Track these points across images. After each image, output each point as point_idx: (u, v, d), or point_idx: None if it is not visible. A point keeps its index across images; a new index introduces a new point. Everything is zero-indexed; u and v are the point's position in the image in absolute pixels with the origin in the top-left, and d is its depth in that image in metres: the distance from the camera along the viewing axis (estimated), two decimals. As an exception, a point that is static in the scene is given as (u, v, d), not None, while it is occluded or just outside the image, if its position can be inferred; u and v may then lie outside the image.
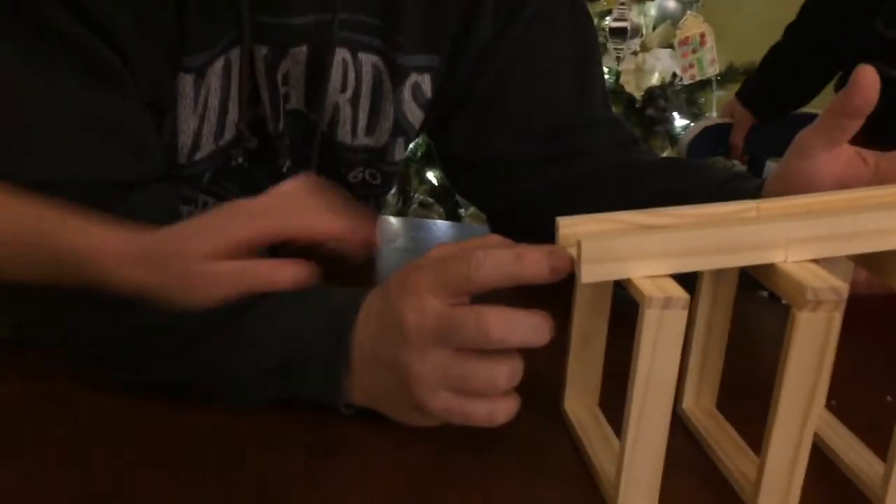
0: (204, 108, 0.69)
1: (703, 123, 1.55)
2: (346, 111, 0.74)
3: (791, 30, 1.44)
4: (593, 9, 2.00)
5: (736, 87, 2.16)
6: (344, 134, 0.75)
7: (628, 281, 0.47)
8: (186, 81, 0.66)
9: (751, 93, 1.49)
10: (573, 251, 0.49)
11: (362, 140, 0.76)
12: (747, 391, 0.65)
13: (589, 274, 0.47)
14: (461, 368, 0.50)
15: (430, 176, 2.07)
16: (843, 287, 0.46)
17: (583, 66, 0.77)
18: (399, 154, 0.78)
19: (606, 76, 2.07)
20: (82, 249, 0.48)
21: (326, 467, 0.54)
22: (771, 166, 1.62)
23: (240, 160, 0.74)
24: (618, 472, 0.49)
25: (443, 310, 0.49)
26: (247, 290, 0.47)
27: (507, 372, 0.50)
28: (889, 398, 0.66)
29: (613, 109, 2.08)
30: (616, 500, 0.50)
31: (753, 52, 2.15)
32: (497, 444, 0.56)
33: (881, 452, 0.56)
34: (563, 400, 0.60)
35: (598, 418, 0.59)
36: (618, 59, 1.96)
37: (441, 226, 1.12)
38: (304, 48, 0.70)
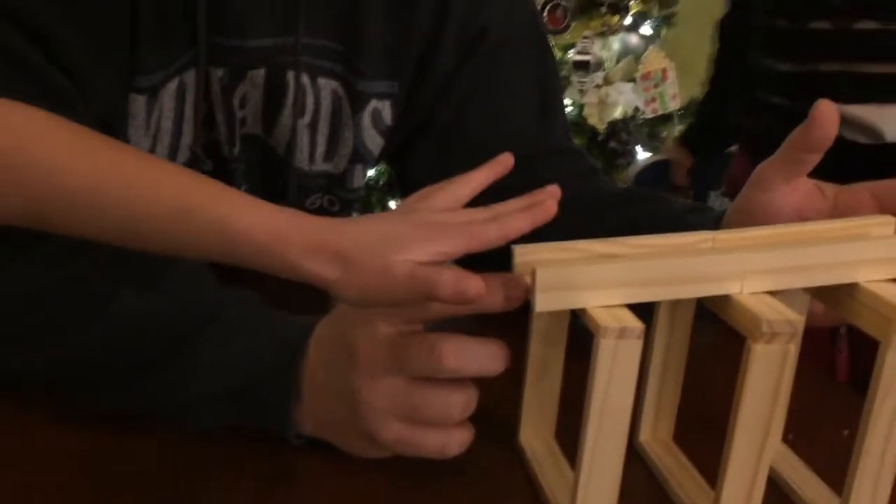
0: (156, 130, 0.67)
1: (649, 159, 1.59)
2: (304, 136, 0.73)
3: (711, 74, 1.54)
4: (557, 42, 2.02)
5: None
6: (301, 159, 0.74)
7: (583, 310, 0.47)
8: (138, 102, 0.65)
9: (687, 133, 1.56)
10: (528, 279, 0.48)
11: (321, 166, 0.75)
12: (705, 424, 0.64)
13: (544, 303, 0.46)
14: (414, 397, 0.49)
15: (392, 204, 2.06)
16: (799, 320, 0.46)
17: (544, 96, 0.77)
18: (358, 181, 0.77)
19: (569, 109, 2.09)
20: (255, 231, 0.44)
21: (276, 497, 0.52)
22: (715, 199, 1.66)
23: None
24: (572, 507, 0.48)
25: (395, 337, 0.48)
26: (432, 298, 0.45)
27: (461, 402, 0.49)
28: (846, 432, 0.65)
29: (576, 142, 2.10)
30: (570, 536, 0.49)
31: (714, 88, 2.19)
32: (450, 476, 0.55)
33: (838, 487, 0.56)
34: (518, 431, 0.59)
35: (554, 451, 0.58)
36: (581, 92, 1.98)
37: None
38: (262, 71, 0.69)
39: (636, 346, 0.45)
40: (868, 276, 0.50)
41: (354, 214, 0.85)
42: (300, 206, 0.78)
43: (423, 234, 0.46)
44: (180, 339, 0.51)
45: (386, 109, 0.74)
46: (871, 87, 1.09)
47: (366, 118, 0.74)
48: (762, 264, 0.48)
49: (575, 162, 0.78)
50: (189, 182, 0.46)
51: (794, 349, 0.46)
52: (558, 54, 2.02)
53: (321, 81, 0.72)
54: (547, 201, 0.50)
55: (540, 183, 0.75)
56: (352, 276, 0.44)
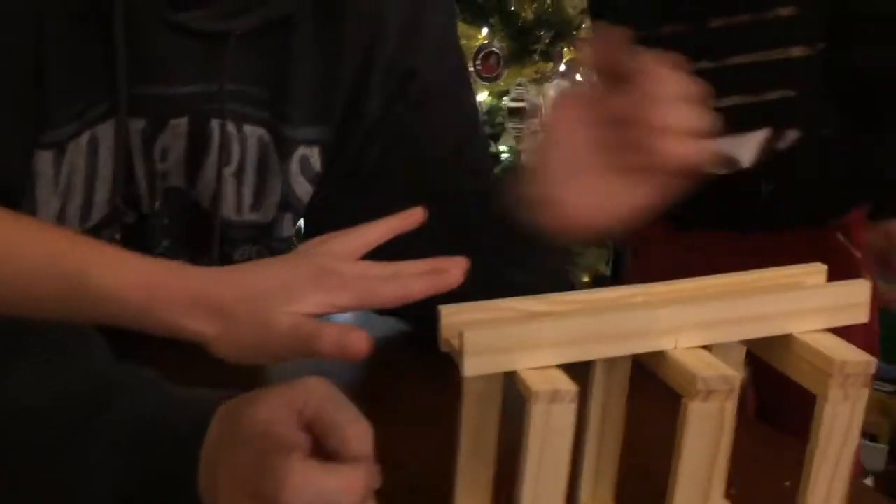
0: (67, 188, 0.64)
1: None
2: (230, 186, 0.70)
3: None
4: (491, 89, 2.03)
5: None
6: (229, 209, 0.71)
7: (514, 373, 0.44)
8: (45, 159, 0.61)
9: None
10: (455, 342, 0.46)
11: (248, 216, 0.72)
12: (647, 482, 0.63)
13: (472, 367, 0.44)
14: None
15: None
16: (735, 376, 0.44)
17: (466, 141, 0.76)
18: (287, 230, 0.75)
19: (506, 155, 2.10)
20: (124, 289, 0.41)
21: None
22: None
23: (116, 236, 0.69)
24: (509, 582, 0.46)
25: (253, 458, 0.44)
26: (314, 353, 0.42)
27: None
28: (787, 484, 0.64)
29: None
30: None
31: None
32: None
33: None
34: (452, 500, 0.56)
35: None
36: (517, 138, 1.99)
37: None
38: (184, 120, 0.66)
39: (570, 410, 0.43)
40: (802, 327, 0.49)
41: None
42: (228, 258, 0.74)
43: (315, 283, 0.44)
44: (63, 436, 0.47)
45: (315, 156, 0.72)
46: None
47: (294, 165, 0.71)
48: (696, 318, 0.47)
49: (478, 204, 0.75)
50: (52, 239, 0.43)
51: (731, 406, 0.45)
52: (493, 101, 2.04)
53: (247, 129, 0.69)
54: (452, 270, 0.48)
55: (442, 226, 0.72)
56: (231, 331, 0.41)
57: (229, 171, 0.69)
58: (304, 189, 0.73)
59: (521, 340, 0.44)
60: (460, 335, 0.43)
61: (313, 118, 0.71)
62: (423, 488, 0.59)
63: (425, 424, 0.68)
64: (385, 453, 0.49)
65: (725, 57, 1.14)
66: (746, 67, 1.13)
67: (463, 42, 1.98)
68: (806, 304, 0.48)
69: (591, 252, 2.18)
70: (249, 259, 0.75)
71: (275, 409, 0.44)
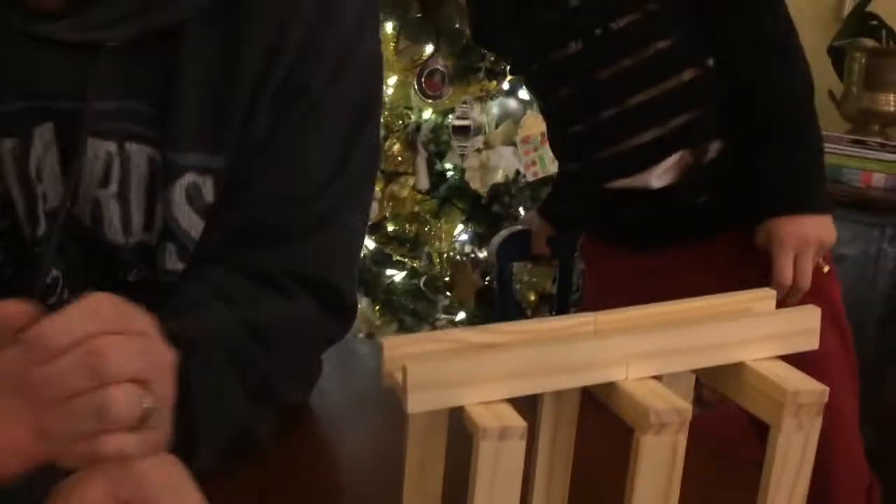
0: None
1: (510, 229, 1.57)
2: (113, 207, 0.64)
3: None
4: (436, 107, 2.02)
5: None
6: (113, 232, 0.65)
7: (461, 409, 0.42)
8: None
9: (545, 203, 1.56)
10: (399, 376, 0.44)
11: (140, 237, 0.66)
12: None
13: (416, 403, 0.42)
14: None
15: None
16: (687, 408, 0.43)
17: (339, 169, 0.68)
18: (172, 263, 0.67)
19: (451, 174, 2.09)
20: None
21: None
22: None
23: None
24: None
25: None
26: None
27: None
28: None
29: (459, 206, 2.04)
30: None
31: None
32: None
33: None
34: (398, 538, 0.54)
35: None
36: (462, 156, 1.97)
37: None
38: (51, 136, 0.61)
39: (519, 447, 0.41)
40: (753, 355, 0.48)
41: None
42: (123, 279, 0.69)
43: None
44: None
45: (207, 186, 0.65)
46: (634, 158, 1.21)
47: (177, 192, 0.64)
48: (646, 348, 0.45)
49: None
50: None
51: (683, 439, 0.43)
52: (437, 119, 2.02)
53: (132, 147, 0.63)
54: None
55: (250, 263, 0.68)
56: None
57: (108, 192, 0.64)
58: (190, 220, 0.66)
59: (468, 374, 0.42)
60: (403, 370, 0.41)
61: (205, 143, 0.64)
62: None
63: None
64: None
65: (625, 100, 1.17)
66: (648, 103, 1.17)
67: (406, 60, 1.97)
68: (757, 332, 0.47)
69: (538, 271, 2.18)
70: (141, 282, 0.69)
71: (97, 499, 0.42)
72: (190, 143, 0.63)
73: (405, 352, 0.45)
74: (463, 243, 2.07)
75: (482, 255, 2.05)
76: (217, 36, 0.63)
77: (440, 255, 2.06)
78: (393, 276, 2.03)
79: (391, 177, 1.98)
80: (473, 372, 0.42)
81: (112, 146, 0.63)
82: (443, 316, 2.01)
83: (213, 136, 0.64)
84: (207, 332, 0.60)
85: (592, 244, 1.41)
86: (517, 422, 0.41)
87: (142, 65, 0.62)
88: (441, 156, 2.05)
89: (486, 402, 0.43)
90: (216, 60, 0.63)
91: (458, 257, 2.04)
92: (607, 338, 0.45)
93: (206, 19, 0.62)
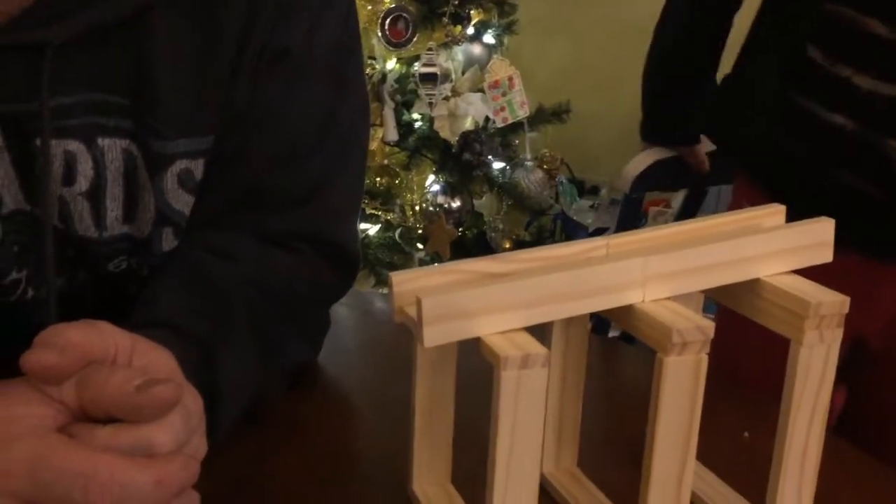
0: None
1: (649, 160, 1.43)
2: (82, 205, 0.61)
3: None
4: (401, 55, 1.98)
5: (547, 128, 2.21)
6: (84, 228, 0.62)
7: (479, 340, 0.41)
8: None
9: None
10: (412, 310, 0.42)
11: (119, 230, 0.64)
12: (608, 446, 0.60)
13: (432, 337, 0.40)
14: None
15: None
16: (709, 325, 0.42)
17: (329, 126, 0.66)
18: (169, 244, 0.65)
19: (419, 123, 2.05)
20: None
21: None
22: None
23: None
24: (484, 563, 0.42)
25: None
26: None
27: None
28: (746, 434, 0.63)
29: (429, 156, 2.01)
30: None
31: (559, 94, 2.22)
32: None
33: (747, 492, 0.52)
34: (410, 481, 0.52)
35: (452, 496, 0.52)
36: (430, 104, 1.94)
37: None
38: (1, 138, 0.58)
39: (542, 375, 0.40)
40: (769, 270, 0.47)
41: None
42: (103, 270, 0.66)
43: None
44: None
45: (199, 168, 0.63)
46: None
47: (169, 181, 0.62)
48: (663, 268, 0.44)
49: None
50: None
51: (705, 358, 0.42)
52: (403, 68, 1.98)
53: (104, 142, 0.60)
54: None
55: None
56: None
57: (74, 191, 0.61)
58: (184, 201, 0.64)
59: (484, 304, 0.41)
60: (418, 302, 0.39)
61: (193, 127, 0.62)
62: (379, 470, 0.56)
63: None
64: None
65: None
66: None
67: (369, 7, 1.93)
68: (773, 247, 0.46)
69: (510, 217, 2.16)
70: (129, 269, 0.67)
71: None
72: (176, 130, 0.60)
73: (416, 286, 0.43)
74: (435, 194, 2.04)
75: (455, 204, 2.03)
76: (187, 15, 0.60)
77: (412, 207, 2.04)
78: (367, 229, 2.00)
79: (359, 129, 1.94)
80: (489, 301, 0.41)
81: (76, 144, 0.59)
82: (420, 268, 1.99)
83: (199, 118, 0.61)
84: (226, 301, 0.58)
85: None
86: (539, 349, 0.40)
87: (108, 55, 0.58)
88: (408, 106, 2.01)
89: (503, 331, 0.41)
90: (190, 40, 0.60)
91: (431, 208, 2.02)
92: (623, 261, 0.44)
93: (177, 4, 0.59)
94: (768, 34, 0.96)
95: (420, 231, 2.03)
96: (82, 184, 0.60)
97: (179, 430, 0.41)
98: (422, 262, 2.02)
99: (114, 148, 0.60)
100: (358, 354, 0.77)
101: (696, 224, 0.49)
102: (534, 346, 0.40)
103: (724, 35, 1.11)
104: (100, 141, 0.60)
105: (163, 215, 0.63)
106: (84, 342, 0.41)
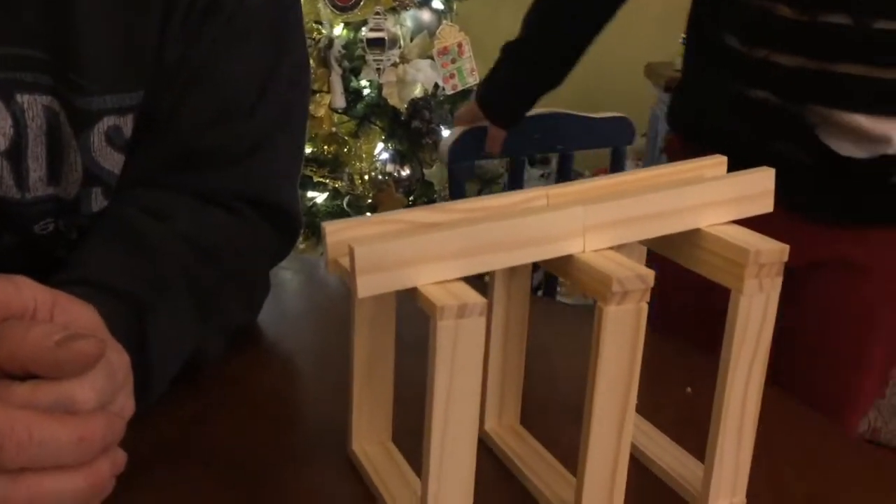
0: None
1: (462, 128, 1.51)
2: (1, 165, 0.59)
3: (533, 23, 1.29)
4: (349, 19, 1.94)
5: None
6: (5, 189, 0.60)
7: (414, 290, 0.40)
8: None
9: (485, 95, 1.40)
10: (346, 261, 0.41)
11: (44, 191, 0.61)
12: (551, 404, 0.60)
13: (366, 287, 0.39)
14: None
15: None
16: (649, 274, 0.41)
17: (266, 87, 0.64)
18: (98, 205, 0.63)
19: (367, 91, 2.02)
20: None
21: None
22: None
23: None
24: (422, 518, 0.41)
25: None
26: None
27: (24, 497, 0.36)
28: (688, 390, 0.63)
29: (378, 124, 1.98)
30: (423, 552, 0.42)
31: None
32: (273, 494, 0.47)
33: (690, 446, 0.53)
34: (350, 440, 0.51)
35: (393, 455, 0.51)
36: (378, 70, 1.91)
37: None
38: None
39: (479, 324, 0.39)
40: (710, 220, 0.46)
41: None
42: (29, 233, 0.63)
43: None
44: None
45: (128, 125, 0.61)
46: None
47: (96, 138, 0.60)
48: (603, 217, 0.43)
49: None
50: None
51: (645, 307, 0.42)
52: (350, 34, 1.95)
53: (23, 98, 0.57)
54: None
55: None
56: None
57: None
58: (113, 160, 0.62)
59: (419, 253, 0.39)
60: (351, 252, 0.38)
61: (120, 82, 0.59)
62: (318, 430, 0.55)
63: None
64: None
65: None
66: None
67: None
68: (714, 196, 0.46)
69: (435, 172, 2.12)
70: (56, 231, 0.64)
71: None
72: (101, 85, 0.57)
73: (350, 235, 0.42)
74: (384, 162, 2.02)
75: (405, 173, 2.01)
76: None
77: (361, 175, 2.02)
78: (314, 198, 1.98)
79: (306, 95, 1.91)
80: (425, 251, 0.39)
81: None
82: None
83: (127, 72, 0.58)
84: (160, 260, 0.56)
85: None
86: (476, 298, 0.39)
87: (24, 6, 0.55)
88: (356, 72, 1.98)
89: (440, 282, 0.40)
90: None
91: (380, 177, 2.00)
92: (563, 210, 0.43)
93: None
94: (697, 32, 1.07)
95: (369, 200, 2.01)
96: (1, 143, 0.57)
97: (103, 386, 0.40)
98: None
99: (34, 105, 0.58)
100: (299, 318, 0.75)
101: (639, 174, 0.49)
102: (471, 296, 0.39)
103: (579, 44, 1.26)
104: (18, 97, 0.57)
105: (91, 175, 0.61)
106: (0, 296, 0.39)
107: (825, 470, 0.54)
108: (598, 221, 0.43)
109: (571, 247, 0.43)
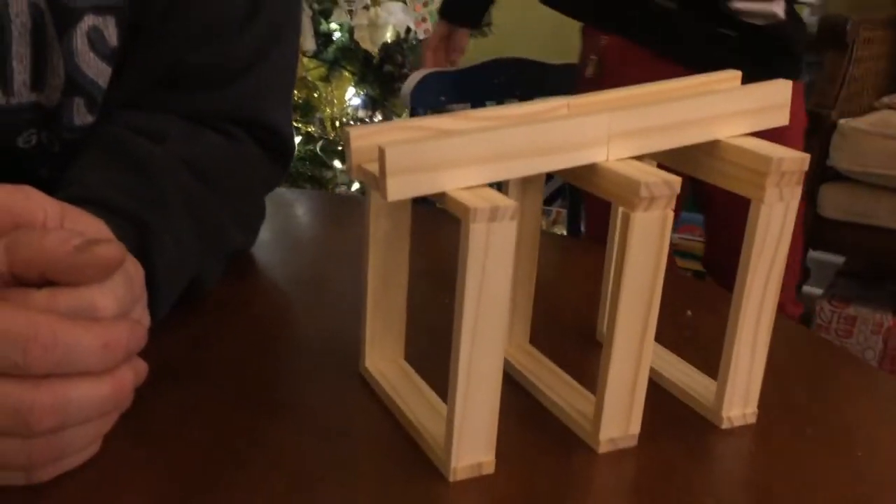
0: None
1: (422, 72, 1.52)
2: None
3: None
4: (320, -41, 1.90)
5: (469, 42, 2.17)
6: None
7: (443, 195, 0.39)
8: None
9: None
10: (373, 167, 0.40)
11: (28, 97, 0.59)
12: (560, 324, 0.60)
13: (396, 189, 0.38)
14: None
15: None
16: (676, 180, 0.41)
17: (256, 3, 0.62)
18: (81, 118, 0.61)
19: (338, 34, 1.99)
20: None
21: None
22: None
23: None
24: (448, 425, 0.41)
25: None
26: None
27: (50, 403, 0.35)
28: (689, 313, 0.64)
29: (349, 69, 1.94)
30: (448, 460, 0.42)
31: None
32: (289, 414, 0.46)
33: (695, 365, 0.53)
34: (362, 359, 0.51)
35: (408, 373, 0.50)
36: (350, 13, 1.87)
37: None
38: None
39: (510, 228, 0.38)
40: (728, 132, 0.46)
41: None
42: (13, 145, 0.61)
43: None
44: None
45: (110, 28, 0.59)
46: None
47: (78, 40, 0.57)
48: (630, 125, 0.43)
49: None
50: None
51: (671, 214, 0.42)
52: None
53: None
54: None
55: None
56: None
57: None
58: (97, 69, 0.59)
59: (449, 157, 0.39)
60: (381, 154, 0.37)
61: None
62: (328, 349, 0.54)
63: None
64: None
65: None
66: None
67: None
68: (734, 106, 0.46)
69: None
70: (39, 144, 0.62)
71: None
72: None
73: (375, 140, 0.41)
74: (356, 107, 2.00)
75: (377, 118, 1.98)
76: None
77: (332, 121, 1.99)
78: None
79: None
80: (454, 154, 0.39)
81: None
82: (343, 182, 1.95)
83: None
84: (158, 180, 0.54)
85: (626, 50, 1.35)
86: (507, 201, 0.38)
87: None
88: (326, 15, 1.94)
89: (468, 187, 0.40)
90: None
91: (351, 122, 1.97)
92: (588, 118, 0.42)
93: None
94: None
95: (341, 145, 1.99)
96: None
97: (123, 294, 0.39)
98: (345, 175, 1.97)
99: (19, 2, 0.55)
100: (285, 244, 0.75)
101: (655, 87, 0.48)
102: (502, 199, 0.38)
103: None
104: None
105: (73, 82, 0.58)
106: (9, 202, 0.38)
107: (834, 387, 0.55)
108: (622, 129, 0.43)
109: (595, 155, 0.43)
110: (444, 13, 1.58)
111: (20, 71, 0.57)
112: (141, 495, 0.40)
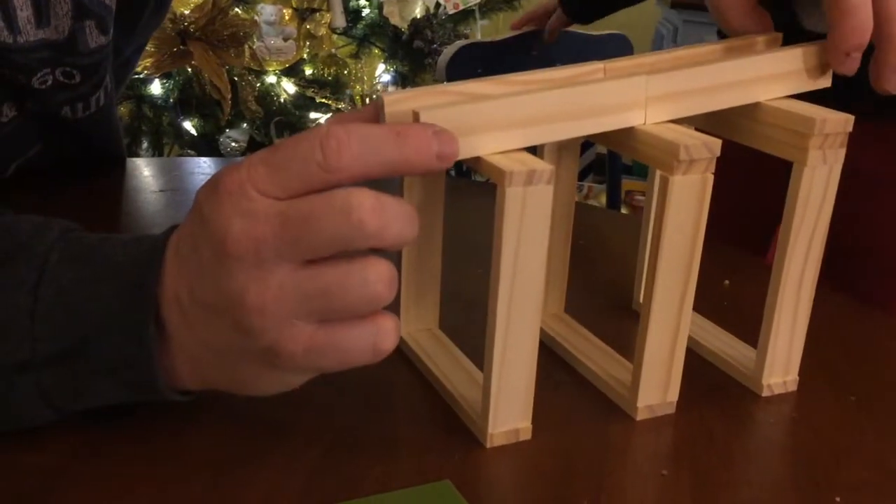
0: None
1: (458, 44, 1.49)
2: None
3: None
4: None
5: (499, 16, 2.15)
6: None
7: (478, 160, 0.39)
8: None
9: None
10: (407, 130, 0.40)
11: (35, 35, 0.58)
12: (591, 290, 0.60)
13: (431, 154, 0.37)
14: (321, 281, 0.35)
15: (189, 126, 1.88)
16: (716, 142, 0.40)
17: None
18: (95, 40, 0.60)
19: (367, 11, 1.98)
20: None
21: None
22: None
23: None
24: (485, 391, 0.41)
25: (283, 207, 0.34)
26: None
27: (384, 274, 0.35)
28: (726, 282, 0.63)
29: (379, 44, 1.94)
30: (485, 426, 0.42)
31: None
32: (326, 387, 0.47)
33: (734, 333, 0.52)
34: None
35: (443, 340, 0.50)
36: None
37: (210, 163, 0.97)
38: None
39: (547, 192, 0.38)
40: (768, 94, 0.45)
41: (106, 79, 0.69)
42: (27, 87, 0.61)
43: None
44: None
45: None
46: None
47: None
48: (667, 87, 0.42)
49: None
50: None
51: (710, 177, 0.41)
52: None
53: None
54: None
55: None
56: None
57: None
58: None
59: (485, 121, 0.38)
60: (416, 118, 0.37)
61: None
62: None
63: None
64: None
65: None
66: None
67: None
68: (775, 68, 0.45)
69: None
70: (56, 83, 0.62)
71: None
72: None
73: (410, 105, 0.41)
74: (386, 84, 1.99)
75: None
76: None
77: (362, 97, 1.98)
78: (317, 119, 1.95)
79: (304, 14, 1.86)
80: (489, 118, 0.38)
81: None
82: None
83: None
84: None
85: None
86: (544, 165, 0.38)
87: None
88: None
89: (504, 151, 0.39)
90: None
91: (381, 99, 1.96)
92: (625, 81, 0.42)
93: None
94: None
95: (372, 123, 1.98)
96: None
97: None
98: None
99: None
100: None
101: (693, 50, 0.47)
102: (539, 163, 0.38)
103: None
104: None
105: (80, 7, 0.58)
106: None
107: (875, 355, 0.54)
108: (660, 92, 0.42)
109: (633, 119, 0.42)
110: (566, 8, 1.49)
111: (22, 7, 0.57)
112: (180, 461, 0.40)
